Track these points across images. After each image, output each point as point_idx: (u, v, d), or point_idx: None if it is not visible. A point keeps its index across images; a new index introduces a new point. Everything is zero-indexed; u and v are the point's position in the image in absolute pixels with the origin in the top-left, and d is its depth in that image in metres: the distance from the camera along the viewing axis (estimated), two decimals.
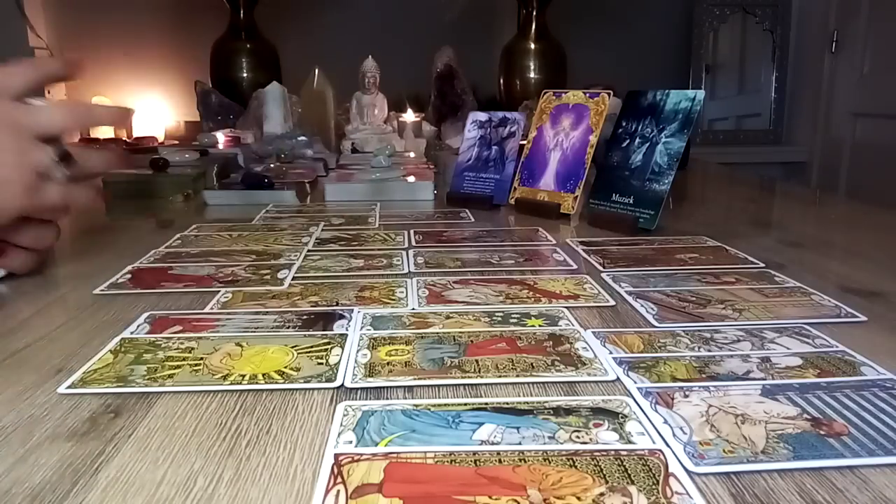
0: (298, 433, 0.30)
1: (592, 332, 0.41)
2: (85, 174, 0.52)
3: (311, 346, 0.39)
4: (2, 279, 0.53)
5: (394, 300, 0.48)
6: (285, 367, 0.36)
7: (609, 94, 0.79)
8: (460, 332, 0.41)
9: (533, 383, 0.34)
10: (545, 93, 0.87)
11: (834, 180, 2.05)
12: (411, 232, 0.70)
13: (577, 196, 0.78)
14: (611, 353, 0.38)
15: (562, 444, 0.28)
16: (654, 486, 0.25)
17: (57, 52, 2.10)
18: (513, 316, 0.44)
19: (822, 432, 0.29)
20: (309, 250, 0.63)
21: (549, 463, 0.26)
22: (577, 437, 0.29)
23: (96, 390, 0.34)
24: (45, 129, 0.49)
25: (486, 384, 0.34)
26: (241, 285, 0.52)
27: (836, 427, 0.29)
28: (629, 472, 0.26)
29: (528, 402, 0.32)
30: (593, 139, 0.78)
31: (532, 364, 0.36)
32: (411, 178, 0.98)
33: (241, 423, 0.31)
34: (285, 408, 0.32)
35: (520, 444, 0.28)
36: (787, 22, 2.21)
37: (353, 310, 0.45)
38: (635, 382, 0.34)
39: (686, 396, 0.32)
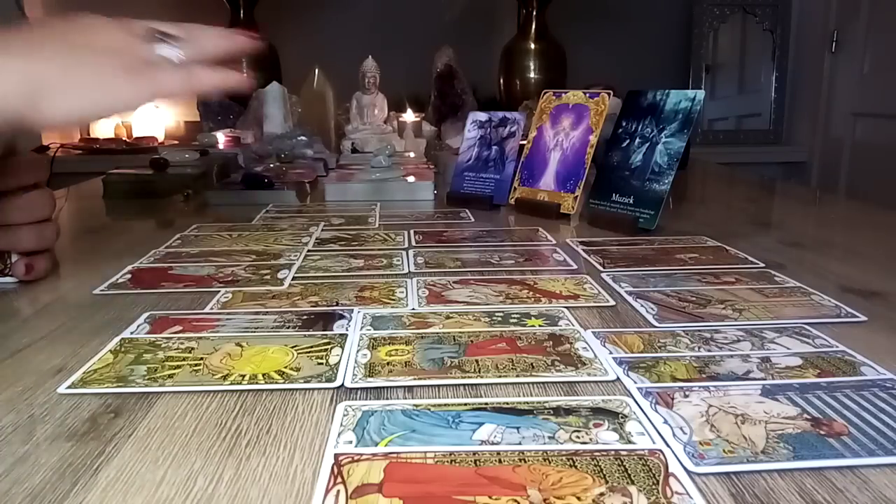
0: (298, 433, 0.30)
1: (592, 332, 0.41)
2: (204, 56, 0.47)
3: (311, 346, 0.39)
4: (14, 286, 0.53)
5: (394, 300, 0.48)
6: (285, 367, 0.36)
7: (609, 94, 0.79)
8: (460, 332, 0.41)
9: (533, 383, 0.34)
10: (545, 93, 0.87)
11: (834, 180, 2.05)
12: (411, 232, 0.70)
13: (577, 196, 0.78)
14: (611, 353, 0.38)
15: (562, 444, 0.28)
16: (654, 486, 0.25)
17: None
18: (513, 316, 0.44)
19: (822, 432, 0.29)
20: (309, 250, 0.63)
21: (549, 463, 0.26)
22: (577, 437, 0.29)
23: (96, 390, 0.34)
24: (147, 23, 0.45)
25: (486, 384, 0.34)
26: (241, 285, 0.52)
27: (836, 427, 0.29)
28: (629, 472, 0.26)
29: (528, 402, 0.32)
30: (593, 139, 0.78)
31: (532, 364, 0.36)
32: (411, 178, 0.98)
33: (241, 423, 0.31)
34: (285, 408, 0.32)
35: (520, 444, 0.28)
36: (787, 22, 2.21)
37: (353, 310, 0.45)
38: (635, 382, 0.34)
39: (686, 396, 0.32)
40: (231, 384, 0.34)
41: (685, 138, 0.69)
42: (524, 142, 0.87)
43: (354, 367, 0.36)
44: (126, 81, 0.43)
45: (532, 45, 1.85)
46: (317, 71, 1.43)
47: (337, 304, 0.47)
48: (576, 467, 0.26)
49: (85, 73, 0.42)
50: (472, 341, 0.40)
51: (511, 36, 1.91)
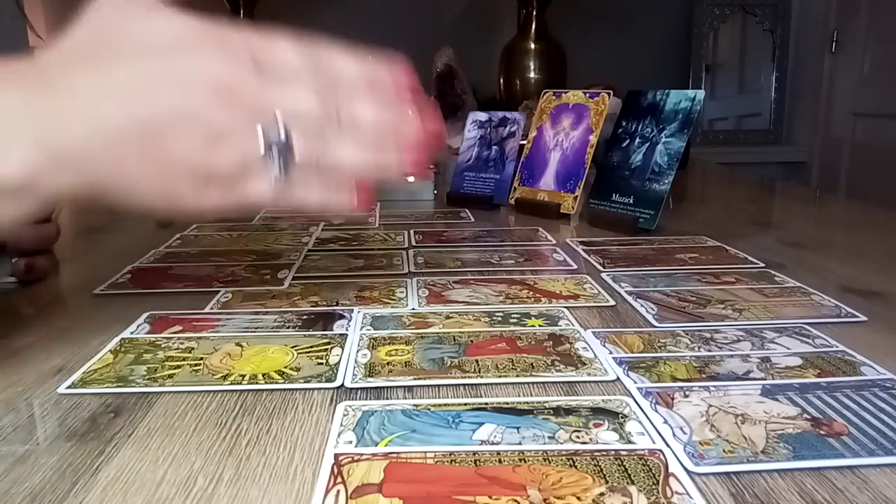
0: (298, 433, 0.30)
1: (592, 332, 0.41)
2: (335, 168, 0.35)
3: (311, 346, 0.39)
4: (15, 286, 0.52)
5: (394, 300, 0.48)
6: (285, 367, 0.36)
7: (609, 94, 0.79)
8: (460, 332, 0.41)
9: (533, 383, 0.34)
10: (545, 93, 0.87)
11: (834, 180, 2.05)
12: (411, 232, 0.70)
13: (577, 196, 0.78)
14: (611, 353, 0.38)
15: (562, 444, 0.28)
16: (654, 486, 0.25)
17: None
18: (513, 316, 0.44)
19: (822, 432, 0.29)
20: (309, 250, 0.63)
21: (549, 463, 0.26)
22: (577, 437, 0.29)
23: (96, 390, 0.34)
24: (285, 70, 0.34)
25: (486, 384, 0.34)
26: (241, 285, 0.52)
27: (836, 427, 0.29)
28: (629, 472, 0.26)
29: (528, 402, 0.32)
30: (593, 139, 0.78)
31: (532, 364, 0.36)
32: (411, 178, 0.98)
33: (241, 423, 0.31)
34: (285, 408, 0.32)
35: (520, 444, 0.28)
36: (787, 22, 2.21)
37: (353, 310, 0.45)
38: (635, 382, 0.34)
39: (686, 396, 0.32)
40: (231, 384, 0.34)
41: (685, 138, 0.69)
42: (524, 142, 0.87)
43: (354, 367, 0.36)
44: (197, 195, 0.33)
45: (532, 45, 1.85)
46: None
47: (337, 304, 0.47)
48: (576, 467, 0.26)
49: (150, 177, 0.32)
50: (472, 341, 0.40)
51: (511, 36, 1.91)
